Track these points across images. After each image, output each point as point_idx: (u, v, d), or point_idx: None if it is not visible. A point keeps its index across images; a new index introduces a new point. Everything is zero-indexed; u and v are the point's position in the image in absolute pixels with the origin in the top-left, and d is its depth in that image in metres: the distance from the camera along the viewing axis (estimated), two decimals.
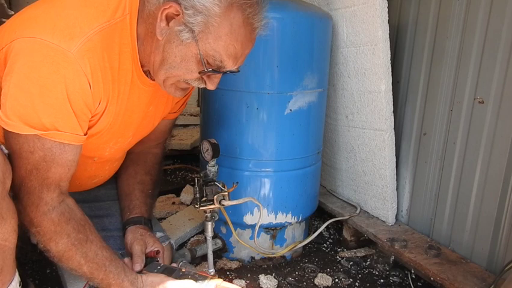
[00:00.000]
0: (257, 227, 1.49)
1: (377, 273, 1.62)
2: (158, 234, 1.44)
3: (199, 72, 1.08)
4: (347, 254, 1.73)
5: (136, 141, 1.37)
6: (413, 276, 1.56)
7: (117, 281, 1.13)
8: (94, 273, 1.10)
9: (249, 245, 1.56)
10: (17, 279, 1.03)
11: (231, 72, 1.11)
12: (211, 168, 1.36)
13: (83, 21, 1.00)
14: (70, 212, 1.09)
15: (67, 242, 1.07)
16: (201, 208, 1.31)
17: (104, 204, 1.45)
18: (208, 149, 1.35)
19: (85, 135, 1.08)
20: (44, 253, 1.09)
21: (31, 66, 0.96)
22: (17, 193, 1.04)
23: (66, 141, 1.03)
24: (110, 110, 1.13)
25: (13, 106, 0.97)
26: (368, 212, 1.79)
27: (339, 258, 1.72)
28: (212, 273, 1.39)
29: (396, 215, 1.72)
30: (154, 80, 1.17)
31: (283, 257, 1.67)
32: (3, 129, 1.01)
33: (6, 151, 1.02)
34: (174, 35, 1.03)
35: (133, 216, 1.36)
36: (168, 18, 1.03)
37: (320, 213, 1.94)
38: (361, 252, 1.73)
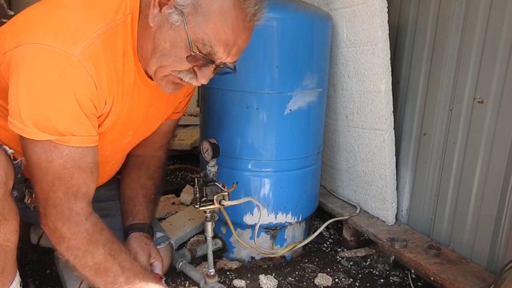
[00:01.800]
0: (257, 227, 1.49)
1: (377, 273, 1.62)
2: (158, 235, 1.44)
3: (187, 58, 1.02)
4: (347, 254, 1.73)
5: (137, 142, 1.36)
6: (413, 276, 1.56)
7: (156, 284, 1.12)
8: (131, 282, 1.08)
9: (249, 245, 1.56)
10: (17, 279, 1.03)
11: (226, 67, 1.08)
12: (211, 168, 1.36)
13: (85, 24, 1.00)
14: (101, 223, 1.09)
15: (104, 252, 1.05)
16: (201, 208, 1.31)
17: (104, 205, 1.45)
18: (208, 149, 1.35)
19: (98, 135, 1.08)
20: (76, 271, 1.06)
21: (37, 72, 0.96)
22: (43, 211, 1.03)
23: (83, 144, 1.03)
24: (115, 111, 1.13)
25: (27, 113, 0.96)
26: (368, 212, 1.78)
27: (339, 258, 1.71)
28: (212, 274, 1.39)
29: (396, 215, 1.72)
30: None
31: (283, 257, 1.67)
32: (21, 138, 1.01)
33: (10, 151, 1.01)
34: (165, 19, 1.02)
35: (137, 223, 1.37)
36: (161, 4, 1.02)
37: (320, 213, 1.94)
38: (361, 252, 1.73)
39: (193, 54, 1.02)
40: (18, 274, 1.03)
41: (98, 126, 1.11)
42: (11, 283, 1.00)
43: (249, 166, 1.53)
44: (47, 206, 1.02)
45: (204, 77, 1.08)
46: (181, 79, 1.09)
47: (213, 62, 1.05)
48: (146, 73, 1.15)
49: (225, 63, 1.07)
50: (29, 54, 0.96)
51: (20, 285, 1.04)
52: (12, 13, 2.37)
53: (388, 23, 1.52)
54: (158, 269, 1.32)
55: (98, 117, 1.09)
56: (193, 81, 1.09)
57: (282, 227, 1.64)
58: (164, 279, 1.36)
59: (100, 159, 1.27)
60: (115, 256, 1.07)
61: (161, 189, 1.51)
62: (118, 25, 1.05)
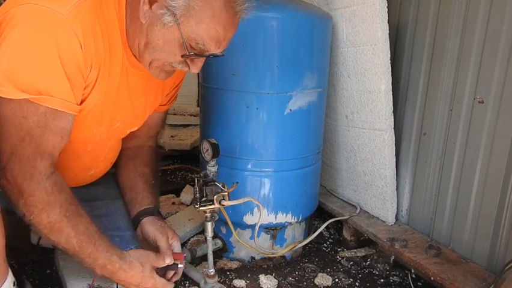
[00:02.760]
0: (257, 227, 1.49)
1: (377, 273, 1.62)
2: None
3: (182, 56, 1.08)
4: (347, 253, 1.73)
5: (127, 130, 1.37)
6: (413, 276, 1.56)
7: (106, 254, 1.13)
8: (82, 246, 1.09)
9: (249, 245, 1.56)
10: (10, 279, 1.01)
11: (215, 56, 1.11)
12: (211, 168, 1.36)
13: None
14: (62, 183, 1.09)
15: (59, 212, 1.05)
16: (201, 208, 1.31)
17: (103, 203, 1.45)
18: (208, 149, 1.35)
19: (78, 105, 1.08)
20: (30, 226, 1.06)
21: (23, 29, 0.96)
22: (5, 163, 1.02)
23: (59, 107, 1.02)
24: (101, 83, 1.13)
25: (5, 71, 0.96)
26: (368, 212, 1.78)
27: (339, 258, 1.71)
28: (212, 273, 1.39)
29: (396, 215, 1.72)
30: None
31: (283, 257, 1.67)
32: None
33: None
34: (157, 18, 1.04)
35: (146, 207, 1.37)
36: (151, 1, 1.04)
37: (320, 213, 1.94)
38: (361, 252, 1.73)
39: (187, 54, 1.07)
40: (11, 274, 1.02)
41: (85, 99, 1.11)
42: (3, 283, 0.98)
43: (249, 166, 1.53)
44: (11, 160, 1.02)
45: (197, 67, 1.13)
46: (174, 67, 1.14)
47: (205, 55, 1.10)
48: (134, 56, 1.17)
49: (215, 53, 1.11)
50: (17, 13, 0.97)
51: (14, 285, 1.03)
52: None
53: (388, 22, 1.52)
54: (177, 248, 1.33)
55: (84, 88, 1.09)
56: (185, 68, 1.14)
57: (282, 227, 1.64)
58: (185, 256, 1.36)
59: (92, 147, 1.28)
60: (70, 218, 1.07)
61: (158, 178, 1.51)
62: None
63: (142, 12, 1.05)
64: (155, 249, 1.30)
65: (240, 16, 1.09)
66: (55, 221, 1.05)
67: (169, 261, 1.26)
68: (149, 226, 1.33)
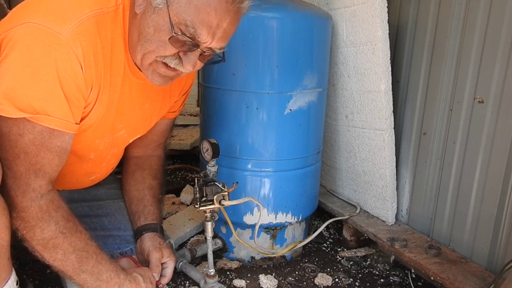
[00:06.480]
0: (257, 227, 1.49)
1: (377, 272, 1.63)
2: None
3: (170, 39, 1.01)
4: (347, 253, 1.73)
5: (132, 138, 1.36)
6: (413, 276, 1.56)
7: (110, 266, 1.13)
8: (83, 261, 1.08)
9: (249, 245, 1.56)
10: (13, 277, 1.01)
11: (213, 53, 1.06)
12: (211, 168, 1.36)
13: (75, 6, 1.01)
14: (59, 201, 1.08)
15: (55, 229, 1.05)
16: (201, 208, 1.31)
17: (103, 203, 1.45)
18: (208, 149, 1.35)
19: (76, 124, 1.07)
20: (23, 241, 1.05)
21: (22, 49, 0.96)
22: (1, 178, 1.02)
23: (55, 127, 1.02)
24: (102, 100, 1.12)
25: (4, 89, 0.96)
26: (368, 212, 1.79)
27: (339, 258, 1.72)
28: (212, 273, 1.39)
29: (396, 215, 1.72)
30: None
31: (283, 256, 1.67)
32: None
33: None
34: (149, 4, 1.02)
35: (150, 223, 1.39)
36: None
37: (320, 213, 1.95)
38: (361, 252, 1.73)
39: (175, 35, 1.00)
40: (14, 273, 1.02)
41: (85, 117, 1.11)
42: (6, 281, 0.98)
43: (249, 166, 1.53)
44: (5, 174, 1.01)
45: (190, 62, 1.06)
46: (167, 65, 1.07)
47: (197, 45, 1.03)
48: (137, 66, 1.15)
49: (211, 48, 1.05)
50: (17, 33, 0.96)
51: (17, 284, 1.03)
52: None
53: (388, 22, 1.52)
54: (170, 268, 1.34)
55: (84, 107, 1.08)
56: (179, 66, 1.07)
57: (282, 226, 1.64)
58: (163, 285, 1.34)
59: (95, 155, 1.27)
60: (66, 234, 1.06)
61: (164, 187, 1.52)
62: (109, 12, 1.06)
63: (138, 4, 1.04)
64: (147, 263, 1.31)
65: (233, 2, 1.01)
66: (50, 237, 1.05)
67: (156, 277, 1.27)
68: (148, 241, 1.34)
